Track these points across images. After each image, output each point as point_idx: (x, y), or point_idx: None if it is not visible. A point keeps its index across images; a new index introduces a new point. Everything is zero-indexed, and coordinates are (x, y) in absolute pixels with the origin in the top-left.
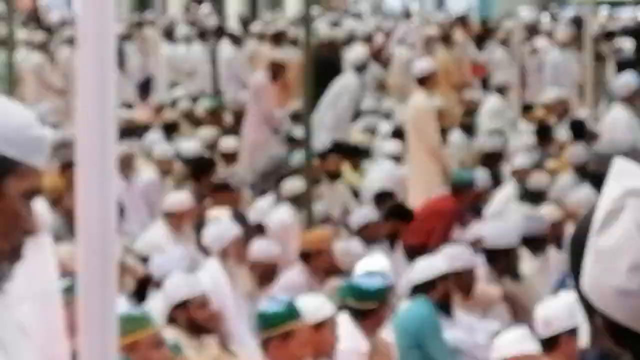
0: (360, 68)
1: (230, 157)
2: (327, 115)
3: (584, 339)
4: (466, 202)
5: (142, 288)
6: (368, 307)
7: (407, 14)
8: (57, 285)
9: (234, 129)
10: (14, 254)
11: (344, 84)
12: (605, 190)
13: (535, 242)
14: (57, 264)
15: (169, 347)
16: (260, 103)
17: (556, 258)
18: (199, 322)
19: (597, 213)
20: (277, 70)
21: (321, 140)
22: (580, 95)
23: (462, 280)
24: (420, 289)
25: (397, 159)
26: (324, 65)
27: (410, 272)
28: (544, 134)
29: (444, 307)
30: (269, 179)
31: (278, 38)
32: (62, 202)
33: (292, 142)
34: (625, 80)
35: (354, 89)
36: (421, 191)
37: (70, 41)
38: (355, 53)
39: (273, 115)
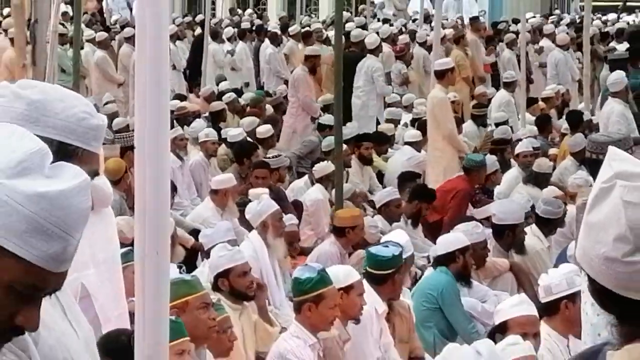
0: (377, 51)
1: (266, 142)
2: (371, 99)
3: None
4: (477, 182)
5: (192, 257)
6: (383, 273)
7: (426, 18)
8: (118, 253)
9: (273, 118)
10: None
11: (369, 66)
12: (600, 174)
13: (550, 225)
14: (118, 234)
15: (214, 307)
16: (299, 93)
17: (558, 234)
18: (240, 289)
19: (590, 193)
20: (312, 62)
21: (369, 127)
22: (579, 90)
23: (475, 253)
24: (442, 260)
25: (417, 145)
26: (352, 62)
27: (434, 246)
28: (544, 124)
29: (463, 277)
30: (304, 162)
31: (309, 37)
32: (123, 181)
33: (324, 129)
34: (617, 77)
35: (379, 67)
36: (438, 174)
37: (130, 39)
38: (371, 38)
39: (311, 104)
